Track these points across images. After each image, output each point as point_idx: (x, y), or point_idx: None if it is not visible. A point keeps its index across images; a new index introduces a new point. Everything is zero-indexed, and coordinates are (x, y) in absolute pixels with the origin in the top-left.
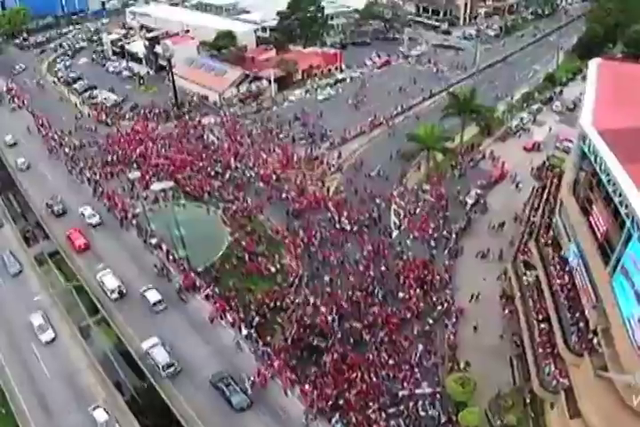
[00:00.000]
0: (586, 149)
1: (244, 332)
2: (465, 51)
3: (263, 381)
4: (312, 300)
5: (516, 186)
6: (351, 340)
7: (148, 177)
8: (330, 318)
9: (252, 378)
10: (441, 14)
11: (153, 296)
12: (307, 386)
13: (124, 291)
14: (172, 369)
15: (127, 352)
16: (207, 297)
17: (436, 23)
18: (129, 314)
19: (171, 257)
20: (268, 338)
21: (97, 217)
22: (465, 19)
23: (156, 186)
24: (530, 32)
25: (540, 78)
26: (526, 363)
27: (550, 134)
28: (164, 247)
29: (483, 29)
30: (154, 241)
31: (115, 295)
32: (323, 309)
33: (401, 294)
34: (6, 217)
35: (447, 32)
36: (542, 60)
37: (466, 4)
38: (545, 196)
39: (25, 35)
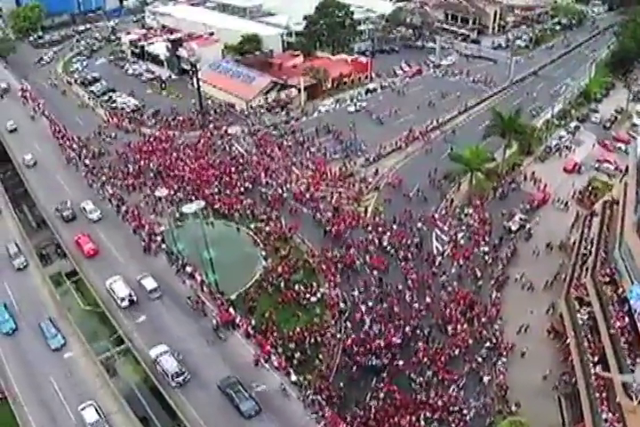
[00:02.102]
0: None
1: (293, 378)
2: (497, 62)
3: None
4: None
5: (564, 205)
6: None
7: (172, 191)
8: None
9: None
10: (470, 23)
11: (149, 284)
12: None
13: (135, 299)
14: (180, 378)
15: (154, 387)
16: (247, 335)
17: (465, 31)
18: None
19: (205, 289)
20: (309, 376)
21: (98, 212)
22: (494, 28)
23: (188, 208)
24: (559, 43)
25: (574, 93)
26: (577, 403)
27: (590, 154)
28: (198, 278)
29: (512, 40)
30: (189, 269)
31: (125, 303)
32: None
33: (449, 329)
34: (30, 251)
35: (477, 41)
36: (574, 74)
37: (495, 13)
38: (597, 227)
39: (40, 32)
